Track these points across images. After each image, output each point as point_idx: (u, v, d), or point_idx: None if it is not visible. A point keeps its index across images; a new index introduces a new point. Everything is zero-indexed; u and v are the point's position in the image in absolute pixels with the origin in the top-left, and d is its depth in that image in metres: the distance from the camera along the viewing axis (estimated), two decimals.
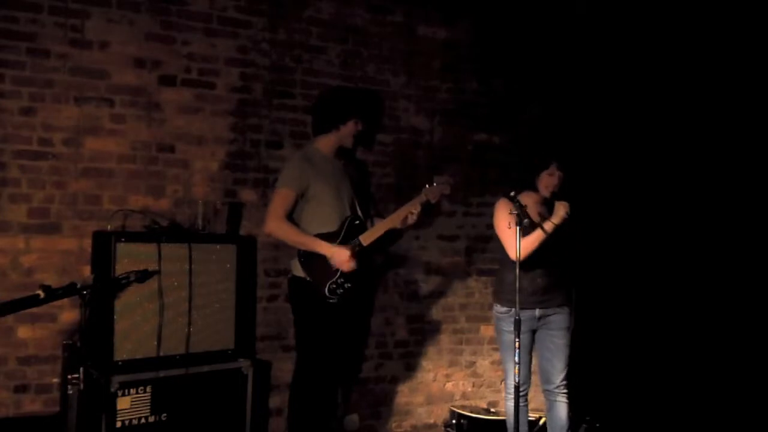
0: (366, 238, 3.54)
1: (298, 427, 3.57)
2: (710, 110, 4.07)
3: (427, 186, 3.62)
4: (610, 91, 4.50)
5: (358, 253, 3.49)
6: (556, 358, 3.49)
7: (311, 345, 3.55)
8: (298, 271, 3.54)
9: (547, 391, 3.54)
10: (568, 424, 3.52)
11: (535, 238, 3.32)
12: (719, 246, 4.01)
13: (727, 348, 3.94)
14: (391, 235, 3.75)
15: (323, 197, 3.54)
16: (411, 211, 3.56)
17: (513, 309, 3.39)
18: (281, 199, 3.53)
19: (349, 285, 3.50)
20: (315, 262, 3.49)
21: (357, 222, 3.61)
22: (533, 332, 3.50)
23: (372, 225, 3.69)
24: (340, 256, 3.44)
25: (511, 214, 3.18)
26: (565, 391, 3.51)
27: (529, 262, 3.30)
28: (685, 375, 4.10)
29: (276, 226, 3.50)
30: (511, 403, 3.52)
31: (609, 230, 4.36)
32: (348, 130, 3.65)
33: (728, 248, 3.98)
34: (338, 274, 3.48)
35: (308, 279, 3.50)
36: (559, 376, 3.49)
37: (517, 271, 3.13)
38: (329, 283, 3.47)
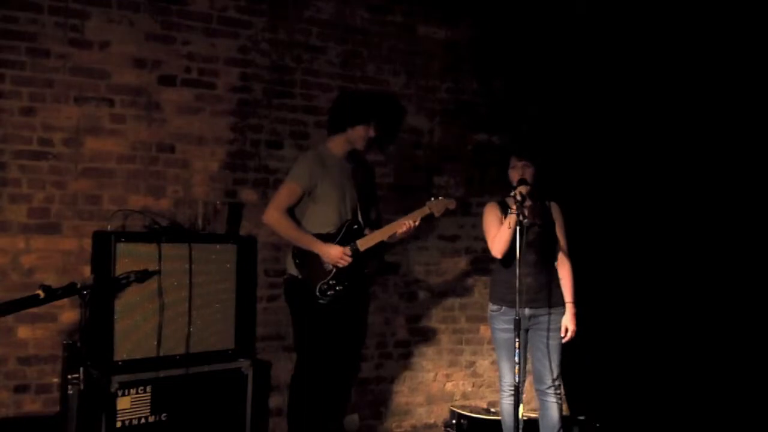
0: (363, 244, 3.55)
1: (297, 428, 3.57)
2: (710, 111, 4.07)
3: (432, 199, 3.64)
4: (610, 91, 4.49)
5: (354, 257, 3.50)
6: (548, 359, 3.46)
7: (308, 345, 3.55)
8: (292, 269, 3.55)
9: (539, 391, 3.53)
10: (560, 424, 3.51)
11: (503, 232, 3.40)
12: (717, 244, 4.01)
13: (726, 346, 3.94)
14: (387, 244, 3.73)
15: (328, 199, 3.55)
16: (411, 222, 3.55)
17: (503, 307, 3.48)
18: (287, 192, 3.54)
19: (340, 288, 3.51)
20: (309, 260, 3.49)
21: (356, 227, 3.61)
22: (526, 332, 3.49)
23: (371, 231, 3.68)
24: (334, 254, 3.45)
25: (511, 213, 3.19)
26: (557, 391, 3.49)
27: (517, 261, 3.19)
28: (683, 373, 4.10)
29: (276, 218, 3.51)
30: (505, 402, 3.54)
31: (607, 229, 4.36)
32: (357, 134, 3.62)
33: (726, 247, 3.98)
34: (331, 275, 3.49)
35: (300, 277, 3.51)
36: (550, 377, 3.47)
37: (518, 270, 3.12)
38: (321, 283, 3.48)
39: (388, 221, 3.96)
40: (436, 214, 3.64)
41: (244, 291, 3.70)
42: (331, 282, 3.49)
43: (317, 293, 3.47)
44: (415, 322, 4.44)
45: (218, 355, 3.50)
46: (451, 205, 3.65)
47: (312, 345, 3.53)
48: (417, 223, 3.55)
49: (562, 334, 3.47)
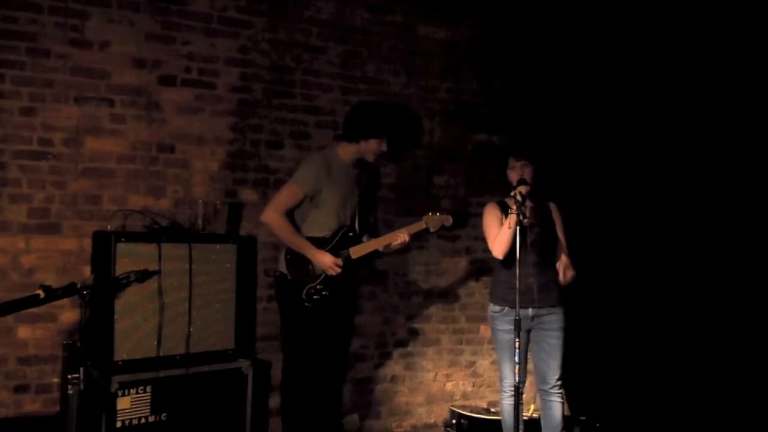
0: (356, 252, 3.57)
1: (290, 428, 3.58)
2: (710, 112, 4.07)
3: (429, 214, 3.66)
4: (609, 91, 4.49)
5: (345, 264, 3.51)
6: (551, 358, 3.48)
7: (294, 344, 3.58)
8: (283, 266, 3.57)
9: (543, 391, 3.54)
10: (563, 424, 3.52)
11: (503, 233, 3.38)
12: (717, 244, 4.01)
13: (725, 346, 3.94)
14: (380, 252, 3.75)
15: (329, 204, 3.56)
16: (406, 236, 3.59)
17: (505, 308, 3.47)
18: (288, 194, 3.55)
19: (326, 293, 3.52)
20: (300, 263, 3.51)
21: (351, 234, 3.63)
22: (528, 332, 3.50)
23: (368, 238, 3.70)
24: (327, 263, 3.47)
25: (511, 213, 3.21)
26: (560, 390, 3.51)
27: (518, 261, 3.16)
28: (683, 373, 4.10)
29: (274, 218, 3.52)
30: (506, 402, 3.54)
31: (607, 229, 4.36)
32: (369, 147, 3.63)
33: (726, 247, 3.98)
34: (319, 280, 3.51)
35: (290, 277, 3.52)
36: (553, 376, 3.49)
37: (517, 270, 3.12)
38: (308, 286, 3.50)
39: (388, 222, 3.97)
40: (432, 230, 3.68)
41: (244, 291, 3.70)
42: (318, 287, 3.51)
43: (304, 296, 3.49)
44: (415, 322, 4.44)
45: (218, 355, 3.50)
46: (447, 222, 3.68)
47: (299, 345, 3.55)
48: (409, 237, 3.60)
49: (561, 273, 3.47)
